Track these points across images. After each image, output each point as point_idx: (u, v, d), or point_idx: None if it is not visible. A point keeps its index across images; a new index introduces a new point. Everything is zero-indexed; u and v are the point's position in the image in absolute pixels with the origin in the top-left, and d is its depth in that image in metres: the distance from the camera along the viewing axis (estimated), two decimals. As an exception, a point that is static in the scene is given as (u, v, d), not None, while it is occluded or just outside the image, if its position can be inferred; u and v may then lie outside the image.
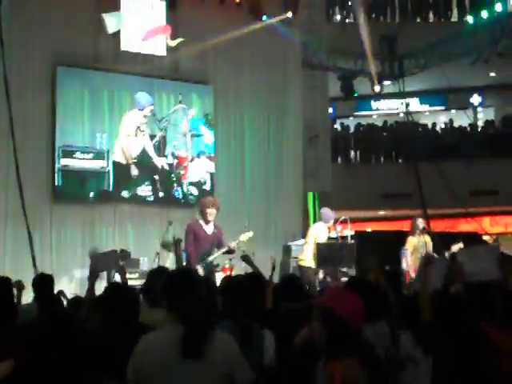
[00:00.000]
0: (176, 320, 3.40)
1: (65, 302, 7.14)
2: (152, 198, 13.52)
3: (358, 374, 3.43)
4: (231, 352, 3.50)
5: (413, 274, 11.17)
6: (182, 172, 13.86)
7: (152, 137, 13.57)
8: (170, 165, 13.74)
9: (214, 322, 3.51)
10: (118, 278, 8.94)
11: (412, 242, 11.93)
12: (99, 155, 13.01)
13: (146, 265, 11.65)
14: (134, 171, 13.27)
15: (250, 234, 10.55)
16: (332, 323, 3.58)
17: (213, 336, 3.42)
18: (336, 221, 12.29)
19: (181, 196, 13.83)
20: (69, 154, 12.69)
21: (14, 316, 5.37)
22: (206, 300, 3.57)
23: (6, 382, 3.07)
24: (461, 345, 4.42)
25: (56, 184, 12.58)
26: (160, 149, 13.64)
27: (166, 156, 13.72)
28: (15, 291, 6.27)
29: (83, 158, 12.82)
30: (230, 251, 10.25)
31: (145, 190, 13.46)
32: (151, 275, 5.65)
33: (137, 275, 10.81)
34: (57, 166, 12.56)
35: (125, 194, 13.25)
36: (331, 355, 3.55)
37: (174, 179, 13.79)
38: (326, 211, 12.26)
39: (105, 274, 9.79)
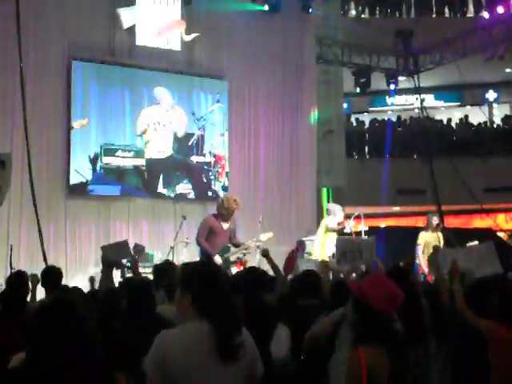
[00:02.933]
0: (199, 315, 3.25)
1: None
2: (171, 194, 13.58)
3: (381, 361, 3.42)
4: (253, 347, 3.41)
5: (425, 268, 11.18)
6: (220, 170, 13.97)
7: (190, 135, 13.70)
8: (208, 163, 13.86)
9: (241, 320, 3.37)
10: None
11: (424, 237, 11.95)
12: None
13: (160, 259, 11.63)
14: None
15: (270, 234, 10.63)
16: (361, 309, 3.55)
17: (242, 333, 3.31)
18: (350, 216, 12.26)
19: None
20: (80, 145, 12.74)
21: (23, 309, 5.36)
22: (231, 298, 3.39)
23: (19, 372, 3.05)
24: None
25: (70, 179, 12.59)
26: (198, 147, 13.75)
27: (204, 155, 13.83)
28: (30, 285, 6.30)
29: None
30: (246, 249, 10.42)
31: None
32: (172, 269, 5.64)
33: (151, 269, 10.78)
34: (71, 159, 12.57)
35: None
36: (358, 340, 3.51)
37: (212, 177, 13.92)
38: (331, 205, 12.49)
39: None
